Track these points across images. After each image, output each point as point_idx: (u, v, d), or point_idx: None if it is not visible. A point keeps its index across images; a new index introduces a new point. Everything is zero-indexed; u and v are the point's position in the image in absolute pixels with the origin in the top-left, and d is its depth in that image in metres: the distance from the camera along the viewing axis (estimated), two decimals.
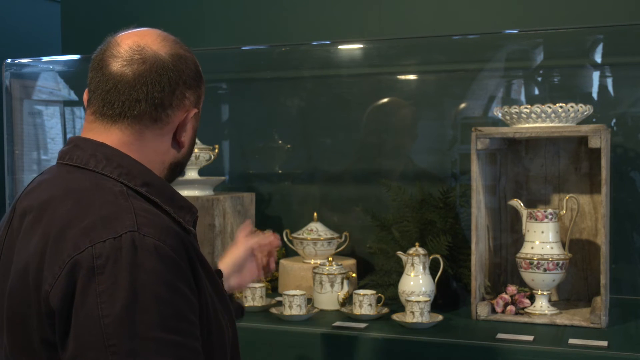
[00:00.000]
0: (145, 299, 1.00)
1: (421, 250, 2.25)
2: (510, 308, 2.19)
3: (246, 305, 2.30)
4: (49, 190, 1.14)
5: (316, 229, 2.58)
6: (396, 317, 2.14)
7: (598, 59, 2.58)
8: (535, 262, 2.16)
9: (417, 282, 2.21)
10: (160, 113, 1.18)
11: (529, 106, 2.16)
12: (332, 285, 2.32)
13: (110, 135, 1.18)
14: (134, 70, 1.16)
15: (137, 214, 1.06)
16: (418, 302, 2.09)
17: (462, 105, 2.73)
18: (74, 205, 1.09)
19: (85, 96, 1.23)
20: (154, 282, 1.01)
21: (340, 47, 2.85)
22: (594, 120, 2.45)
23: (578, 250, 2.35)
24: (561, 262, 2.16)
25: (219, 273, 1.35)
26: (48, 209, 1.10)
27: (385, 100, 2.84)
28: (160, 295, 1.01)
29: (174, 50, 1.20)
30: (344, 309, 2.26)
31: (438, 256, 2.27)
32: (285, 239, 2.62)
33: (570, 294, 2.39)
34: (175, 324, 1.02)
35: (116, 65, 1.17)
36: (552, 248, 2.17)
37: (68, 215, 1.07)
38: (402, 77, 2.88)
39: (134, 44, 1.18)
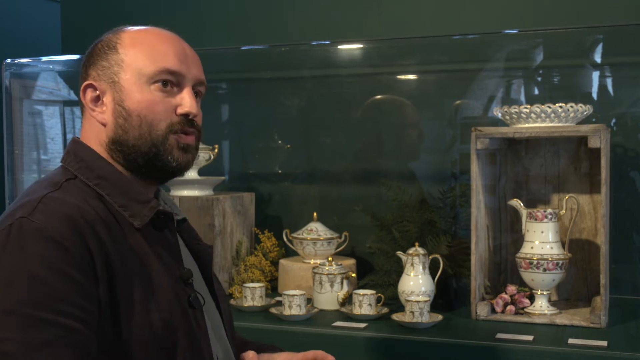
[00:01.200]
0: (18, 277, 1.03)
1: (421, 250, 2.25)
2: (510, 308, 2.19)
3: (246, 305, 2.31)
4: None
5: (316, 229, 2.58)
6: (396, 317, 2.14)
7: (598, 59, 2.58)
8: (535, 262, 2.16)
9: (417, 282, 2.21)
10: (80, 95, 1.28)
11: (529, 106, 2.16)
12: (332, 285, 2.32)
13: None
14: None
15: (43, 202, 1.10)
16: (418, 302, 2.09)
17: (462, 105, 2.73)
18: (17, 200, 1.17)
19: None
20: (31, 262, 1.04)
21: (340, 47, 2.85)
22: (594, 120, 2.45)
23: (578, 250, 2.35)
24: (561, 262, 2.16)
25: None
26: None
27: (384, 96, 2.84)
28: (35, 275, 1.03)
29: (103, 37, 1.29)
30: (343, 309, 2.26)
31: (438, 256, 2.27)
32: (285, 239, 2.62)
33: (570, 294, 2.39)
34: (50, 303, 1.03)
35: None
36: (551, 248, 2.16)
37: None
38: (402, 77, 2.88)
39: None
